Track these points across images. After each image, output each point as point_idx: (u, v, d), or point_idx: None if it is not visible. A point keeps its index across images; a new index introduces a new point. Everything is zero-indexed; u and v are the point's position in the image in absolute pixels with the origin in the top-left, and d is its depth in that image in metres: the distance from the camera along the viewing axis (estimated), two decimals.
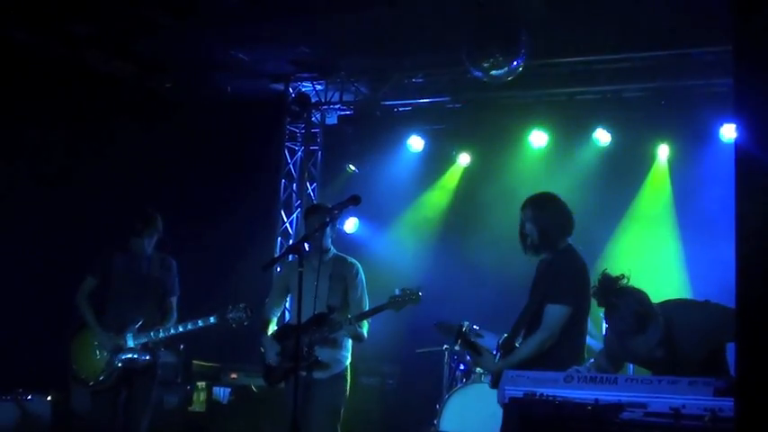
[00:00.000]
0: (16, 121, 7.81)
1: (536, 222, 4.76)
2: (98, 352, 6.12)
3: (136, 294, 6.21)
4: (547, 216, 4.77)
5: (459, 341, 5.24)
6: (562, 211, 4.82)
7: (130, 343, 6.07)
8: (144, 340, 6.11)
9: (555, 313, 4.57)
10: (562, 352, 4.55)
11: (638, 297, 3.92)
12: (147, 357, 6.15)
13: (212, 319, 6.12)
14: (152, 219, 6.31)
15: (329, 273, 5.96)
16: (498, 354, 4.86)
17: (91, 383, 6.10)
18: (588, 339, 4.97)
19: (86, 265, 6.37)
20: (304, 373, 5.55)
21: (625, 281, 3.99)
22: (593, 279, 4.58)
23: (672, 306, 4.08)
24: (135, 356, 6.09)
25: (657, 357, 3.94)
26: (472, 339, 5.02)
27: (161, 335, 6.13)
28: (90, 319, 6.18)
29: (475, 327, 7.04)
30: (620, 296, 3.91)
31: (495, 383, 4.64)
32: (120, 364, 6.06)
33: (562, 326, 4.57)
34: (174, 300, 6.39)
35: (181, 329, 6.15)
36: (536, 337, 4.57)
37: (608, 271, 4.06)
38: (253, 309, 6.20)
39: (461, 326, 5.33)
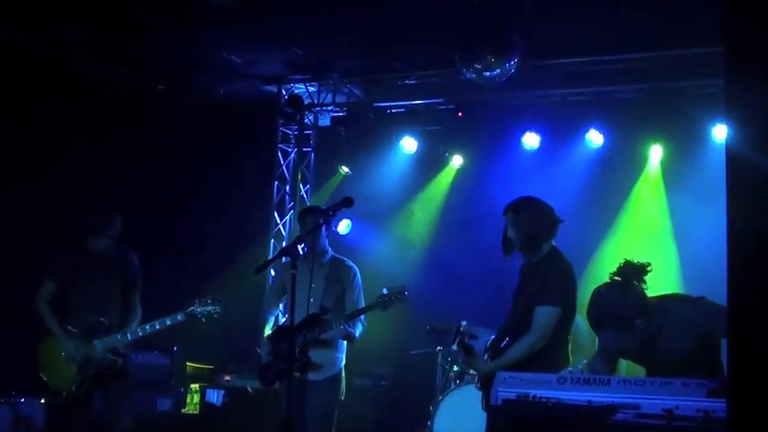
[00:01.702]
0: (7, 123, 7.78)
1: (519, 227, 4.75)
2: (67, 362, 5.95)
3: (99, 295, 6.02)
4: (529, 220, 4.76)
5: (457, 341, 5.26)
6: (544, 214, 4.81)
7: (100, 350, 5.91)
8: (113, 345, 5.95)
9: (545, 315, 4.57)
10: (551, 353, 4.56)
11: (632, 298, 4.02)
12: (119, 361, 5.99)
13: (180, 317, 5.96)
14: (110, 216, 6.08)
15: (325, 274, 5.97)
16: (486, 355, 4.88)
17: (64, 395, 5.94)
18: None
19: (47, 268, 6.19)
20: (298, 375, 5.55)
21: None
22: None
23: (668, 299, 4.19)
24: (106, 363, 5.94)
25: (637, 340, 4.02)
26: (467, 341, 5.03)
27: (129, 338, 5.97)
28: (54, 327, 6.01)
29: (470, 328, 7.06)
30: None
31: (483, 385, 4.66)
32: (91, 372, 5.91)
33: (552, 327, 4.57)
34: (136, 295, 6.20)
35: (149, 330, 5.98)
36: (527, 339, 4.56)
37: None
38: (221, 300, 6.04)
39: (459, 325, 5.38)
